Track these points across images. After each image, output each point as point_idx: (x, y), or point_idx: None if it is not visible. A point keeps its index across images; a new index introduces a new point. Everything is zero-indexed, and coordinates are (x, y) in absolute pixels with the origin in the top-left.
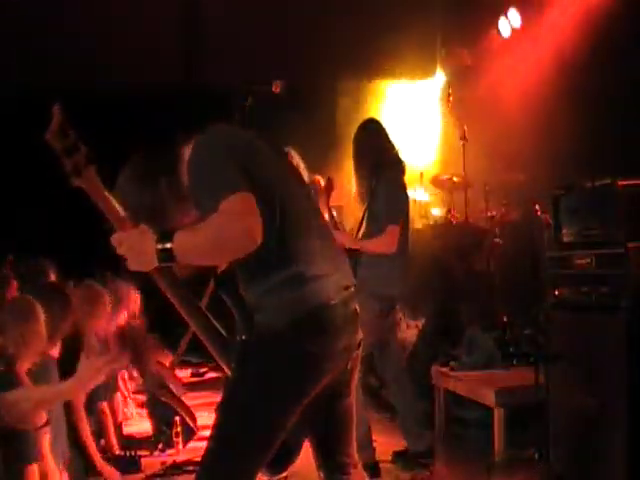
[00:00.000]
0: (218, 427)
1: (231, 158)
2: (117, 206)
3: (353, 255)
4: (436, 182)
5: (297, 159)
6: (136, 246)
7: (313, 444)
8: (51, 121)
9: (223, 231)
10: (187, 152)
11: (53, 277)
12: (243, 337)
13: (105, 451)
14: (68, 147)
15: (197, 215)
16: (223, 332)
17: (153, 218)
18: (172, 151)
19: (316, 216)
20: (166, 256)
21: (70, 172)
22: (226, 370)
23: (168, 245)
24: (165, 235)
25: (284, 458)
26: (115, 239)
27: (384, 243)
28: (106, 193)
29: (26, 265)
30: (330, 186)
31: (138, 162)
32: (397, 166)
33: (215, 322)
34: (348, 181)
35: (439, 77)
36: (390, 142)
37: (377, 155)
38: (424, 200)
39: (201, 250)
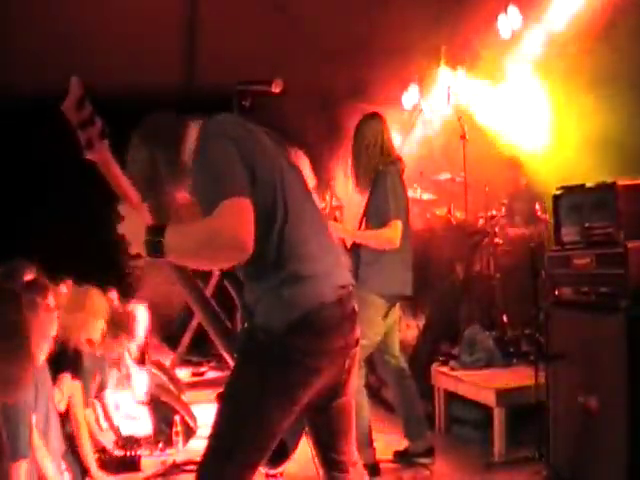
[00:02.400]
0: (217, 425)
1: (237, 155)
2: (128, 182)
3: (355, 253)
4: (436, 182)
5: (305, 161)
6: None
7: (312, 442)
8: (68, 94)
9: (215, 238)
10: (193, 133)
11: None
12: (245, 326)
13: (104, 451)
14: (83, 120)
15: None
16: (227, 322)
17: (149, 190)
18: (174, 128)
19: (315, 214)
20: (154, 249)
21: (83, 145)
22: (229, 360)
23: (157, 239)
24: (157, 229)
25: (280, 454)
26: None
27: (387, 237)
28: (118, 168)
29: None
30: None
31: (138, 135)
32: (397, 162)
33: (220, 312)
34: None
35: (442, 75)
36: (390, 137)
37: (378, 150)
38: (424, 200)
39: (190, 253)
